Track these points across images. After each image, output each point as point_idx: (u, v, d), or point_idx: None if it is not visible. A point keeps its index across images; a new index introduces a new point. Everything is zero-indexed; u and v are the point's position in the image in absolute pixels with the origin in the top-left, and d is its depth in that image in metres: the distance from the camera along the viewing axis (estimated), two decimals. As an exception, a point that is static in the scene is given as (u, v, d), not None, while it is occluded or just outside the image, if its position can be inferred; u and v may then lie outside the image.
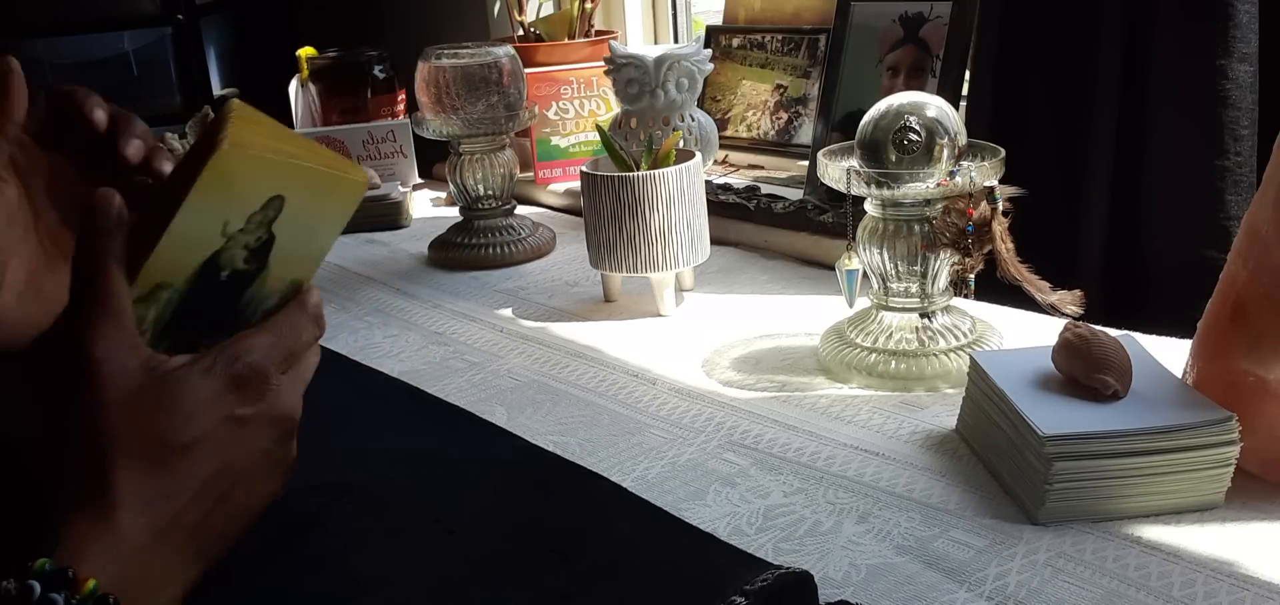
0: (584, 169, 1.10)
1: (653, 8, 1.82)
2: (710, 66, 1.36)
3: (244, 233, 0.61)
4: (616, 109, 1.38)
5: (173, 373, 0.56)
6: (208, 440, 0.56)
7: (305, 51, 1.79)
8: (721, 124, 1.55)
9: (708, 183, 1.33)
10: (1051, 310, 0.82)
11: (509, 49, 1.33)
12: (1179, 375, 0.74)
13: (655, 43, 1.83)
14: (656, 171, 1.05)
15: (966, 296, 0.87)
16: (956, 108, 1.04)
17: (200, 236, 0.60)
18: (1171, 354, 0.79)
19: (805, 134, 1.47)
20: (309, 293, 0.63)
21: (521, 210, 1.44)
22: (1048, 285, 0.83)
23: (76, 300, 0.54)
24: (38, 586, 0.47)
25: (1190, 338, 0.75)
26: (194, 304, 0.60)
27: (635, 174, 1.05)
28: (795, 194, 1.31)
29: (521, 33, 1.69)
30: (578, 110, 1.56)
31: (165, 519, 0.54)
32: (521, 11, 1.69)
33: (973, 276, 0.85)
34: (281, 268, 0.63)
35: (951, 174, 0.86)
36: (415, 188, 1.71)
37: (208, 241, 0.61)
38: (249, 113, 0.60)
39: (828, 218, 1.21)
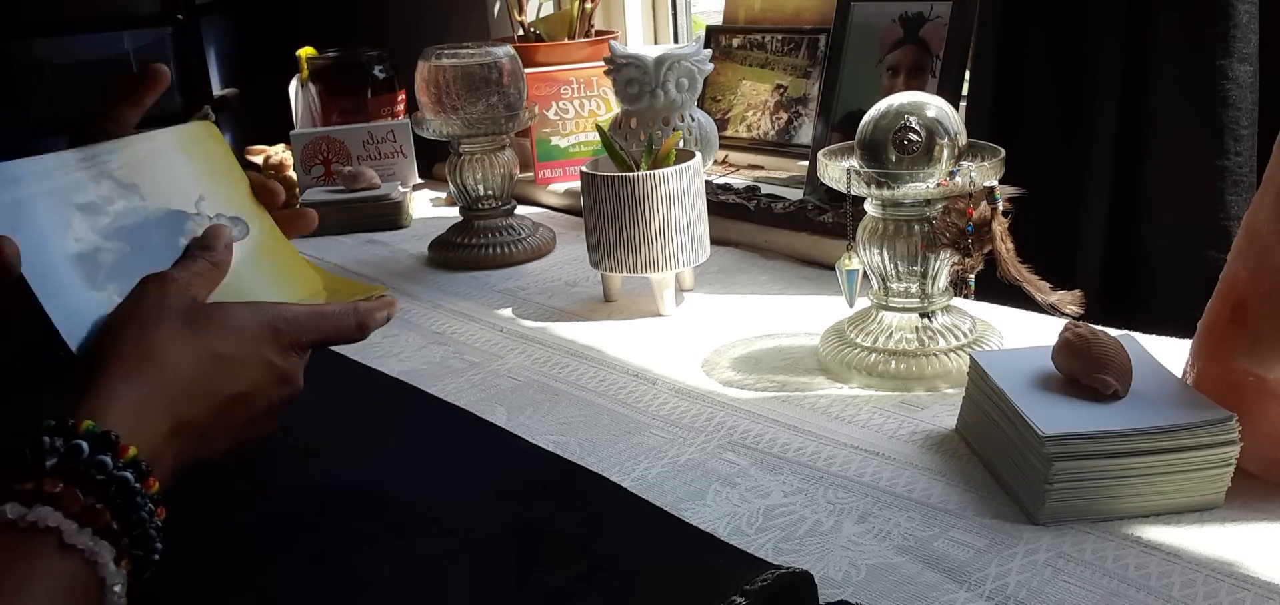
0: (584, 169, 1.10)
1: (653, 8, 1.82)
2: (710, 66, 1.36)
3: (210, 222, 0.74)
4: (616, 109, 1.38)
5: (225, 304, 0.67)
6: (240, 364, 0.65)
7: (305, 51, 1.79)
8: (721, 124, 1.55)
9: (708, 183, 1.33)
10: (1051, 310, 0.82)
11: (509, 49, 1.33)
12: (1179, 375, 0.74)
13: (655, 43, 1.83)
14: (656, 171, 1.05)
15: (966, 296, 0.87)
16: (956, 108, 1.04)
17: (177, 189, 0.74)
18: (1171, 354, 0.79)
19: (805, 134, 1.47)
20: (379, 306, 0.74)
21: (521, 210, 1.44)
22: (1048, 285, 0.82)
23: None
24: (86, 446, 0.53)
25: (1190, 338, 0.75)
26: (150, 237, 0.70)
27: (635, 174, 1.05)
28: (795, 194, 1.31)
29: (521, 33, 1.69)
30: (578, 110, 1.56)
31: (185, 417, 0.61)
32: (521, 11, 1.69)
33: (973, 276, 0.85)
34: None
35: (951, 174, 0.86)
36: (415, 188, 1.71)
37: (184, 197, 0.74)
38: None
39: (828, 218, 1.21)
